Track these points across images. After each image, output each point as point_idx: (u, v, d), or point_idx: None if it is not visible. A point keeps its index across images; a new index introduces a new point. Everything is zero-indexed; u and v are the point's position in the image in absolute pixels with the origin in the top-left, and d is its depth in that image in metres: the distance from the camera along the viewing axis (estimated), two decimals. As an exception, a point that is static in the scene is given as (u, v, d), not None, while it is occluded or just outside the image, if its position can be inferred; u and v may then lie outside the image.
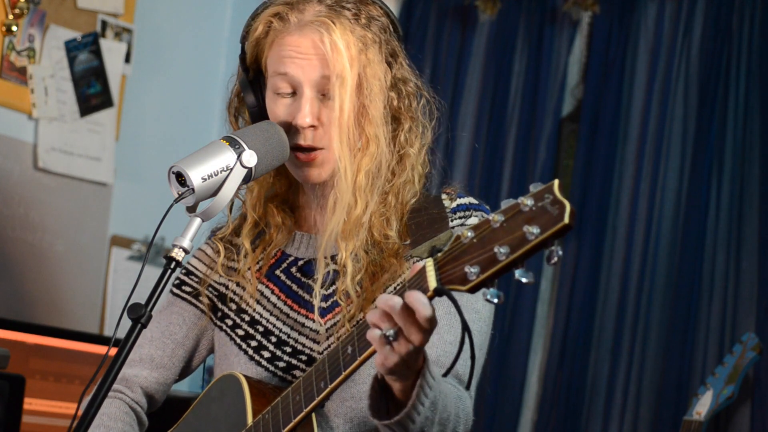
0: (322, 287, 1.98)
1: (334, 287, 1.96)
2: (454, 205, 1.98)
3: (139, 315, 1.70)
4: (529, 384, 3.91)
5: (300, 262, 2.02)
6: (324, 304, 1.97)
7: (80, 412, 1.73)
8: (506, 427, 3.86)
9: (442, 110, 2.04)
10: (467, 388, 1.67)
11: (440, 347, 1.87)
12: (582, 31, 4.01)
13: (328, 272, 1.97)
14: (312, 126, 1.91)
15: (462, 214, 1.97)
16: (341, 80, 1.88)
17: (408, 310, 1.59)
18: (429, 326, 1.60)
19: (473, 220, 1.96)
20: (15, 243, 3.60)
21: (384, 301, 1.60)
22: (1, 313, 3.48)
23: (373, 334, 1.62)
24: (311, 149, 1.92)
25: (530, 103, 3.99)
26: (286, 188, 2.06)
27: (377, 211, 1.94)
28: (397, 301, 1.59)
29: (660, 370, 3.62)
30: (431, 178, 2.06)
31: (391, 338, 1.61)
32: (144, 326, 1.71)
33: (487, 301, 1.52)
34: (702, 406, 3.28)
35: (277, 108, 1.95)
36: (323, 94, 1.92)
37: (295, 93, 1.93)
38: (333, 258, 1.97)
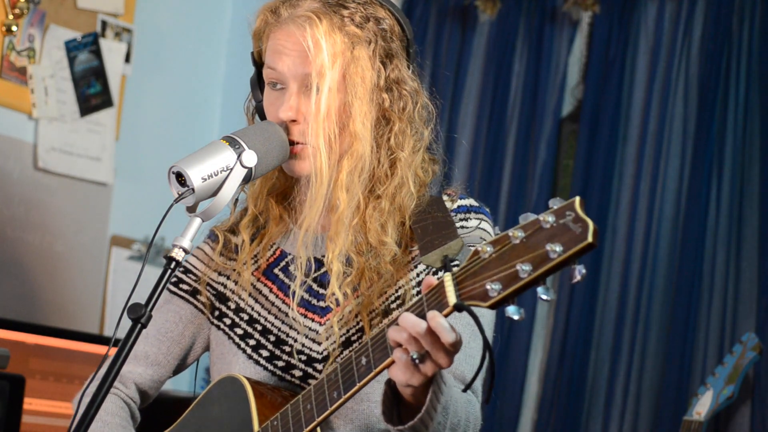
0: (319, 286, 1.98)
1: (328, 289, 1.96)
2: (454, 206, 1.97)
3: (139, 315, 1.70)
4: (529, 384, 3.91)
5: (298, 260, 2.02)
6: (322, 304, 1.97)
7: (79, 412, 1.73)
8: (506, 427, 3.85)
9: (439, 113, 2.04)
10: (487, 402, 1.67)
11: None
12: (582, 31, 4.01)
13: (322, 271, 1.97)
14: (293, 120, 1.91)
15: (462, 216, 1.96)
16: (320, 76, 1.88)
17: (433, 335, 1.59)
18: (455, 350, 1.61)
19: (473, 223, 1.95)
20: (15, 243, 3.60)
21: (411, 325, 1.60)
22: (1, 313, 3.48)
23: (399, 356, 1.62)
24: (296, 142, 1.92)
25: (530, 103, 3.98)
26: (288, 184, 2.06)
27: (372, 216, 1.93)
28: (423, 325, 1.59)
29: (660, 370, 3.61)
30: (435, 183, 2.05)
31: (417, 361, 1.61)
32: (144, 326, 1.71)
33: (509, 318, 1.52)
34: (702, 406, 3.28)
35: (268, 100, 1.96)
36: (309, 89, 1.92)
37: (284, 87, 1.94)
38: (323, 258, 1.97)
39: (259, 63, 2.01)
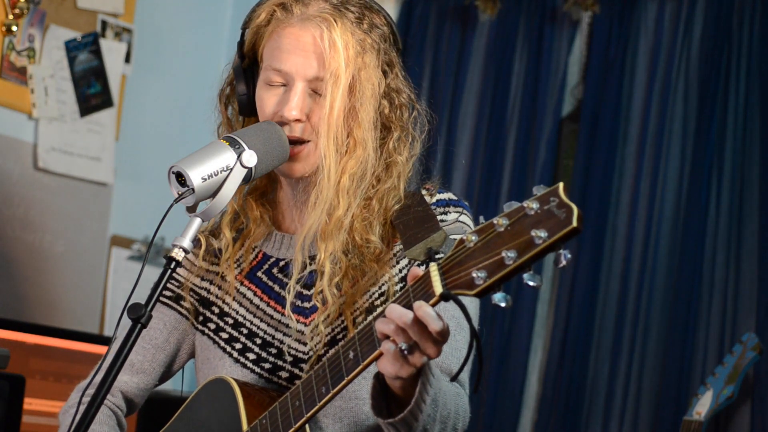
0: (303, 287, 1.97)
1: (314, 288, 1.96)
2: (433, 200, 1.98)
3: (139, 315, 1.70)
4: (529, 384, 3.91)
5: (281, 263, 2.02)
6: (307, 305, 1.97)
7: (79, 414, 1.73)
8: (506, 427, 3.86)
9: (434, 124, 2.04)
10: (475, 391, 1.68)
11: None
12: (582, 31, 4.01)
13: (308, 272, 1.97)
14: (298, 120, 1.91)
15: (442, 209, 1.97)
16: (335, 78, 1.88)
17: (421, 324, 1.60)
18: (443, 339, 1.62)
19: (452, 216, 1.96)
20: (15, 243, 3.60)
21: (398, 315, 1.61)
22: (1, 313, 3.48)
23: (387, 348, 1.63)
24: (296, 141, 1.92)
25: (530, 103, 3.98)
26: (265, 183, 2.06)
27: (360, 216, 1.93)
28: (409, 315, 1.59)
29: (660, 370, 3.61)
30: (413, 180, 2.05)
31: (406, 352, 1.61)
32: (144, 326, 1.71)
33: (495, 305, 1.52)
34: (702, 406, 3.28)
35: (267, 98, 1.95)
36: (314, 91, 1.91)
37: (286, 85, 1.93)
38: (312, 258, 1.97)
39: (247, 56, 2.00)
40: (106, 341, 3.44)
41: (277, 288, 2.01)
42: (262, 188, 2.06)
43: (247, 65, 2.00)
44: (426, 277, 1.60)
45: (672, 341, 3.61)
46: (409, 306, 1.61)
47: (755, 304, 3.51)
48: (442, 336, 1.61)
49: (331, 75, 1.88)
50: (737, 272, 3.55)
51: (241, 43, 2.00)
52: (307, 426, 1.80)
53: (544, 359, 3.91)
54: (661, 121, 3.75)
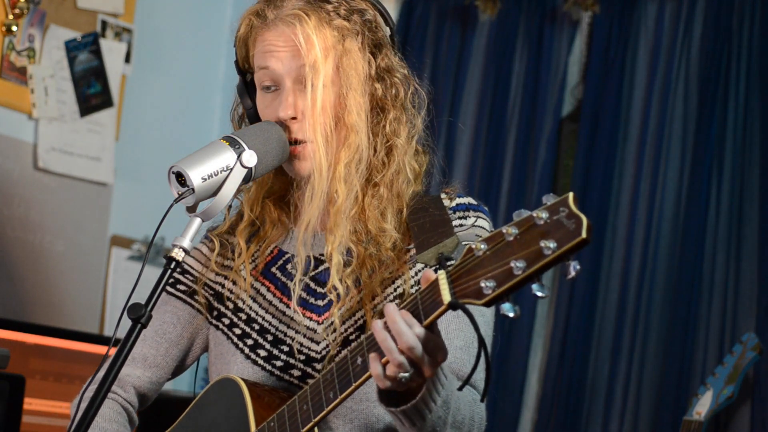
0: (317, 285, 1.97)
1: (328, 284, 1.95)
2: (453, 204, 1.98)
3: (139, 315, 1.70)
4: (529, 384, 3.91)
5: (295, 259, 2.01)
6: (320, 302, 1.97)
7: (78, 414, 1.73)
8: (506, 427, 3.85)
9: (431, 96, 2.04)
10: (482, 399, 1.68)
11: (451, 353, 1.83)
12: (582, 31, 4.01)
13: (322, 268, 1.96)
14: (293, 118, 1.92)
15: (461, 214, 1.96)
16: (314, 72, 1.89)
17: (430, 354, 1.62)
18: (443, 359, 1.65)
19: (470, 221, 1.95)
20: (15, 243, 3.60)
21: (408, 348, 1.61)
22: (1, 313, 3.48)
23: (393, 375, 1.64)
24: (296, 142, 1.92)
25: (530, 103, 3.98)
26: (285, 186, 2.06)
27: (371, 204, 1.93)
28: (419, 348, 1.61)
29: (660, 370, 3.61)
30: (431, 177, 2.05)
31: (404, 380, 1.63)
32: (144, 326, 1.71)
33: (503, 315, 1.52)
34: (702, 406, 3.28)
35: (264, 103, 1.96)
36: (304, 86, 1.92)
37: (278, 88, 1.94)
38: (324, 255, 1.97)
39: (244, 70, 2.02)
40: (106, 341, 3.44)
41: (289, 284, 2.00)
42: (280, 191, 2.06)
43: (250, 79, 2.01)
44: (434, 285, 1.60)
45: (672, 341, 3.60)
46: (417, 313, 1.62)
47: (755, 304, 3.51)
48: (444, 358, 1.64)
49: (311, 68, 1.89)
50: (737, 272, 3.54)
51: (236, 61, 2.02)
52: (316, 428, 1.80)
53: (544, 359, 3.91)
54: (661, 121, 3.75)
